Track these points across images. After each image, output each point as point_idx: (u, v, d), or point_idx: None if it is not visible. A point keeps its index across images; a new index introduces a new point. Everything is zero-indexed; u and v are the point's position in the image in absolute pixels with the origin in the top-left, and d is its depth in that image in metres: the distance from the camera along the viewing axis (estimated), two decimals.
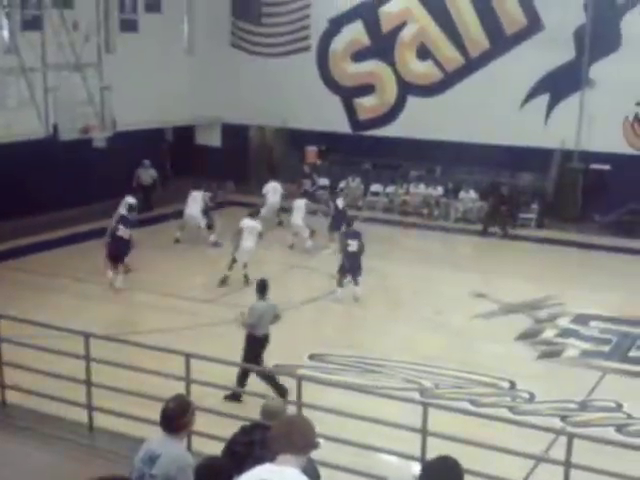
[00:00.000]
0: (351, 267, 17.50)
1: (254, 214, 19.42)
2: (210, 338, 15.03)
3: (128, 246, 17.98)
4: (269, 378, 12.03)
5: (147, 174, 25.26)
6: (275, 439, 4.90)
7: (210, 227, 22.10)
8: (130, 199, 19.36)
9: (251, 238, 18.46)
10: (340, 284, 17.69)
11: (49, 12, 20.32)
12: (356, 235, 17.73)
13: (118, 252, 17.86)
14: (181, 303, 17.23)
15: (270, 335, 12.55)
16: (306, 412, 8.61)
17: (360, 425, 10.03)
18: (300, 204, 21.79)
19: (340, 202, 22.25)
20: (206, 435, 9.43)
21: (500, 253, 22.53)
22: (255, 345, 12.31)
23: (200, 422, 7.65)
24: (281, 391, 11.80)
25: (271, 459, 4.87)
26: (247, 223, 18.60)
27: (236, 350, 13.34)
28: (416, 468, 9.76)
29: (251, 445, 6.36)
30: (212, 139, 30.33)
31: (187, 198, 22.07)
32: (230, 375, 11.33)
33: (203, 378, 10.58)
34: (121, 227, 17.98)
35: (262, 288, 12.67)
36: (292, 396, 9.37)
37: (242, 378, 12.01)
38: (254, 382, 11.12)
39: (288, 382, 10.17)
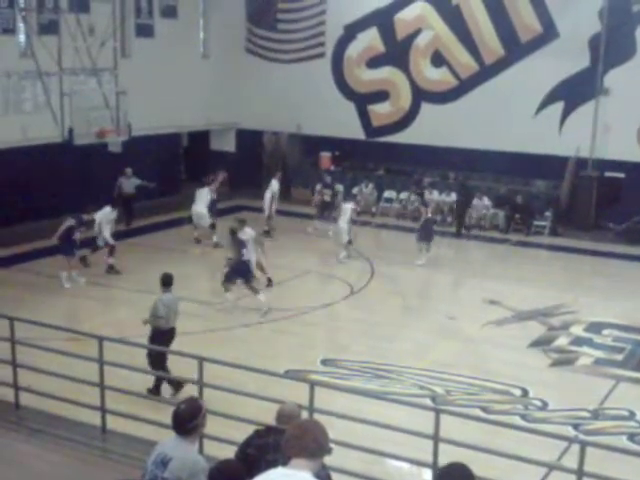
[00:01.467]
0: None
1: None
2: (222, 342, 15.08)
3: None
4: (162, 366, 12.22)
5: (129, 183, 23.87)
6: (288, 443, 4.90)
7: (213, 227, 22.13)
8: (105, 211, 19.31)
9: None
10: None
11: (65, 17, 20.44)
12: None
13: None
14: (193, 307, 17.27)
15: (176, 329, 12.53)
16: (318, 417, 8.61)
17: (371, 431, 10.02)
18: (346, 208, 21.60)
19: (429, 211, 21.97)
20: (218, 439, 9.46)
21: (513, 260, 22.50)
22: (163, 339, 12.33)
23: (212, 426, 7.68)
24: (156, 389, 12.25)
25: (284, 463, 4.89)
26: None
27: (249, 353, 13.40)
28: (427, 475, 9.78)
29: (265, 448, 6.37)
30: (227, 144, 30.44)
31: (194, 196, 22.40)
32: (243, 378, 11.32)
33: (216, 382, 10.61)
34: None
35: (167, 281, 12.71)
36: (304, 401, 9.37)
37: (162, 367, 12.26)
38: (268, 386, 11.11)
39: (301, 387, 10.17)
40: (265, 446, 6.41)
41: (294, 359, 14.31)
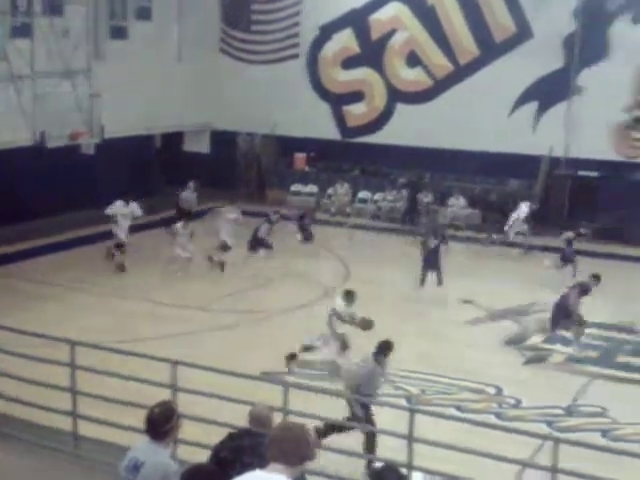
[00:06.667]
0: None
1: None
2: (202, 345, 15.01)
3: None
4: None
5: (191, 197, 23.65)
6: (269, 445, 4.85)
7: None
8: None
9: None
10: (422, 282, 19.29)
11: (38, 19, 20.28)
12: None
13: None
14: (172, 310, 17.22)
15: None
16: (293, 419, 8.61)
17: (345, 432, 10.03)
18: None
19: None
20: (193, 443, 9.40)
21: (486, 259, 22.58)
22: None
23: (187, 431, 7.64)
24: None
25: (261, 465, 4.84)
26: None
27: (225, 356, 13.32)
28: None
29: (238, 451, 6.29)
30: (201, 146, 30.31)
31: None
32: (217, 381, 11.20)
33: (190, 386, 10.51)
34: None
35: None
36: (279, 403, 9.36)
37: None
38: (243, 389, 11.04)
39: (275, 389, 10.15)
40: (240, 449, 6.34)
41: (270, 360, 14.27)
